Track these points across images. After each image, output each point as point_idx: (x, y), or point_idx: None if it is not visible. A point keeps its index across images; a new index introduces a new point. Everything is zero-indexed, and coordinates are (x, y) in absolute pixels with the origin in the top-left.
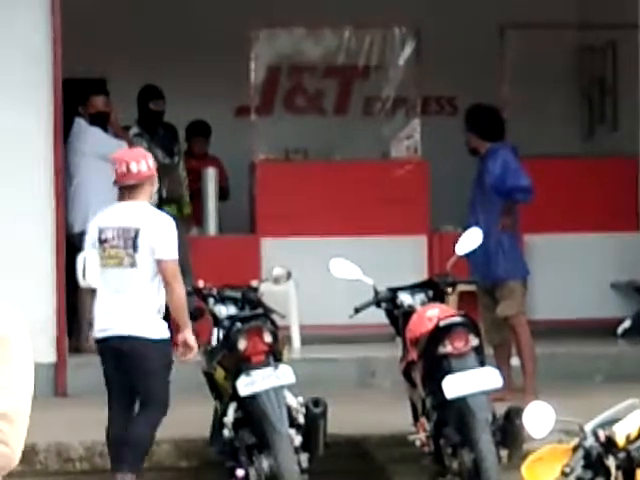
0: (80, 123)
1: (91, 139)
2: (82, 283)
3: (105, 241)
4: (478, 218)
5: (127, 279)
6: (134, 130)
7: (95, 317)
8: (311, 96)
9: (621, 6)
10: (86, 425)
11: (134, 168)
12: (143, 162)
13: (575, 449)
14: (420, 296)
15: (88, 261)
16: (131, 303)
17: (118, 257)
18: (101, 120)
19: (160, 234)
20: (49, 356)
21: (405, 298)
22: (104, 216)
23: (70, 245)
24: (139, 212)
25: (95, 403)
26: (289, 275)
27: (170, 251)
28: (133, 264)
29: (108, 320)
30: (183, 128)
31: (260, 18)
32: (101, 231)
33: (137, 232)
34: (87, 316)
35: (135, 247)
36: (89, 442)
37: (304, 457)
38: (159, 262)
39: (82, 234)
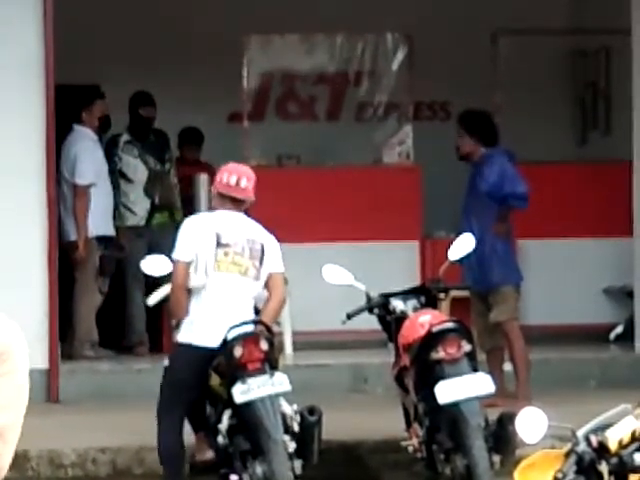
0: (81, 131)
1: (87, 152)
2: (196, 281)
3: (227, 245)
4: (471, 224)
5: (247, 289)
6: (125, 137)
7: (200, 321)
8: (303, 102)
9: (614, 11)
10: (78, 431)
11: (244, 184)
12: (253, 182)
13: (568, 454)
14: (412, 302)
15: (207, 262)
16: (244, 313)
17: (242, 265)
18: (106, 123)
19: (277, 248)
20: (42, 362)
21: (397, 304)
22: (217, 220)
23: (64, 253)
24: (255, 225)
25: (87, 409)
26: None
27: (282, 264)
28: (257, 277)
29: (218, 328)
30: (176, 134)
31: (253, 24)
32: (220, 235)
33: (263, 246)
34: (84, 323)
35: (262, 260)
36: (81, 448)
37: (298, 463)
38: (275, 274)
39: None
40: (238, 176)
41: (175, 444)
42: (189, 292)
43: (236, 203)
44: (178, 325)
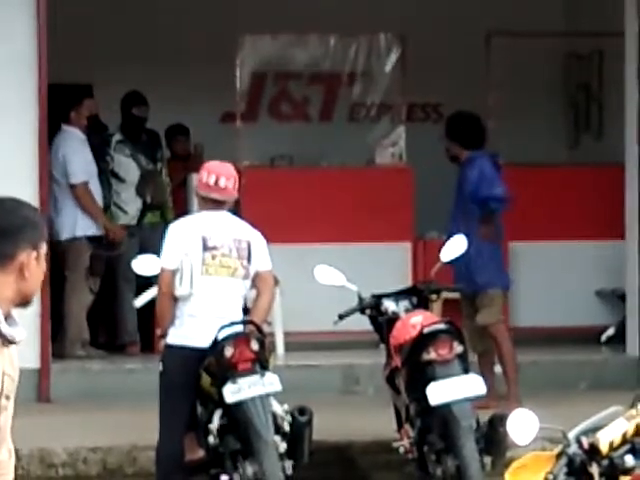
0: (68, 131)
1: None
2: (181, 291)
3: (213, 248)
4: (459, 226)
5: (236, 290)
6: (117, 136)
7: (190, 322)
8: (296, 103)
9: (607, 14)
10: (69, 431)
11: (223, 183)
12: (233, 179)
13: (558, 456)
14: (404, 303)
15: (193, 268)
16: (233, 312)
17: (230, 267)
18: (96, 124)
19: (264, 245)
20: (33, 362)
21: (389, 305)
22: (201, 223)
23: (55, 253)
24: (240, 223)
25: (79, 409)
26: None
27: (269, 261)
28: (246, 276)
29: (208, 329)
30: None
31: (246, 24)
32: (206, 239)
33: (249, 244)
34: (75, 323)
35: (249, 258)
36: (72, 448)
37: (288, 464)
38: (263, 272)
39: (70, 241)
40: (217, 175)
41: (174, 451)
42: (176, 299)
43: (218, 203)
44: (164, 335)
